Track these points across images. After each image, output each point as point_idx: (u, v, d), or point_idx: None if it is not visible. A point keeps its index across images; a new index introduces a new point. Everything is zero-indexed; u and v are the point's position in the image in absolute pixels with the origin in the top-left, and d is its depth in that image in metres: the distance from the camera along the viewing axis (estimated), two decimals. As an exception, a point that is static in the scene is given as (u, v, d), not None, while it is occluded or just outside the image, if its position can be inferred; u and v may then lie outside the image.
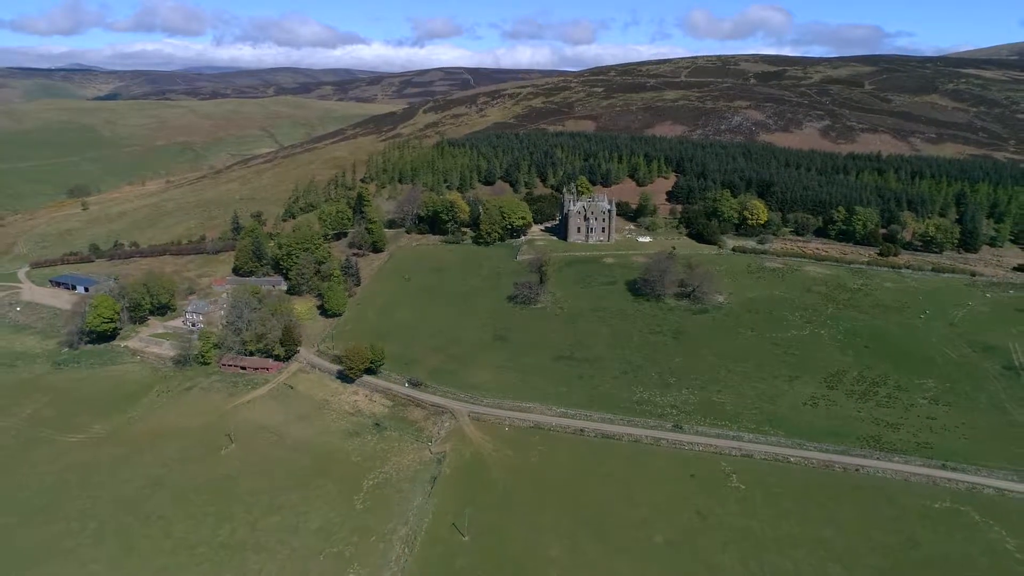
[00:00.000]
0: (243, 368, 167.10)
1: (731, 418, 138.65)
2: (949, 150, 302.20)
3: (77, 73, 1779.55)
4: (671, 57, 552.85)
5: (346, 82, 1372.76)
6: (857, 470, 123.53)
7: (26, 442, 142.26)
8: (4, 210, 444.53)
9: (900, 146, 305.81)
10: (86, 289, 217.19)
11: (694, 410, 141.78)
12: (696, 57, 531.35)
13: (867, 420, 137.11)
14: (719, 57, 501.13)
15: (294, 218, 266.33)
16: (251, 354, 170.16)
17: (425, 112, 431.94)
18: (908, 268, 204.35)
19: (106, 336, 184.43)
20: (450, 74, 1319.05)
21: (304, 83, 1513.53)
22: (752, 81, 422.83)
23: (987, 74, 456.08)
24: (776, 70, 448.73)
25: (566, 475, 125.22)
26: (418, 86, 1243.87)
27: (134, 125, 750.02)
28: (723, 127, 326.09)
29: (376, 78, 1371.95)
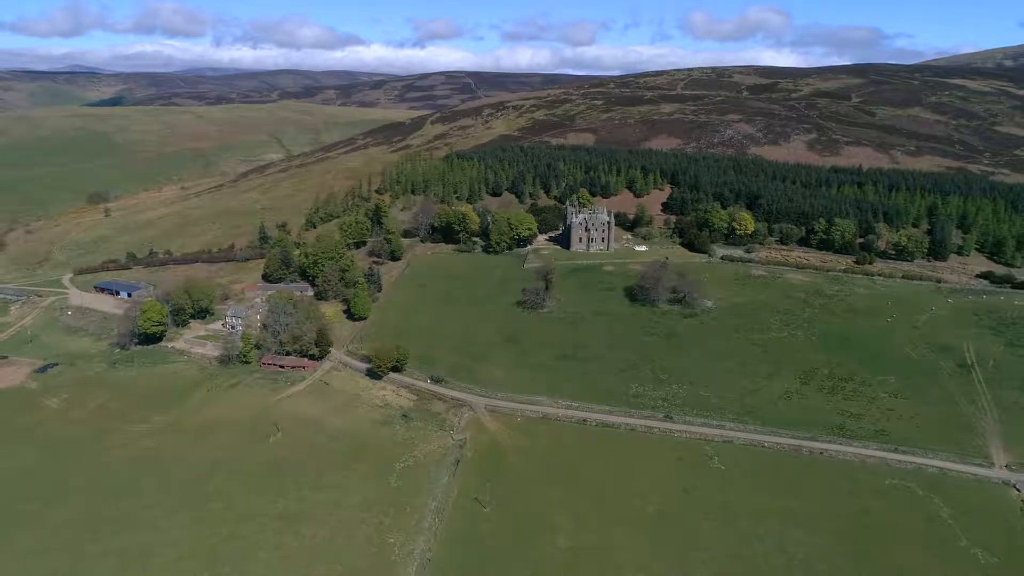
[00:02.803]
0: (281, 367, 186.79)
1: (715, 409, 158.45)
2: (927, 163, 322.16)
3: (80, 76, 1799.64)
4: (667, 69, 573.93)
5: (349, 86, 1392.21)
6: (821, 453, 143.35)
7: (98, 431, 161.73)
8: (27, 216, 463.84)
9: (881, 159, 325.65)
10: (128, 295, 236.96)
11: (683, 402, 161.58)
12: (692, 69, 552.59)
13: (833, 411, 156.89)
14: (714, 69, 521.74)
15: (315, 228, 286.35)
16: (288, 354, 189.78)
17: (433, 123, 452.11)
18: (880, 276, 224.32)
19: (154, 338, 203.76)
20: (451, 78, 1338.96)
21: (307, 86, 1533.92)
22: (745, 94, 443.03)
23: (972, 84, 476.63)
24: (768, 83, 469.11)
25: (571, 458, 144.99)
26: (420, 90, 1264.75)
27: (145, 131, 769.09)
28: (716, 140, 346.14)
29: (378, 82, 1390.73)
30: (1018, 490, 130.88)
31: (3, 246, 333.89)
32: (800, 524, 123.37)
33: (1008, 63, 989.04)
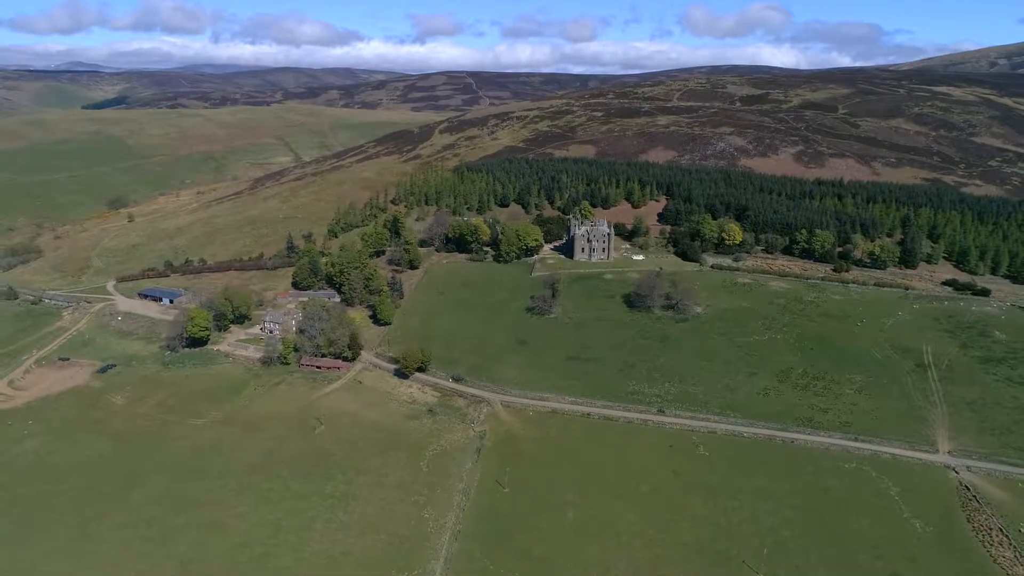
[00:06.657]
0: (318, 367, 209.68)
1: (702, 404, 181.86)
2: (906, 174, 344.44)
3: (83, 75, 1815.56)
4: (665, 70, 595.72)
5: (351, 86, 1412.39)
6: (792, 442, 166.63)
7: (161, 424, 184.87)
8: (51, 221, 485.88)
9: (862, 170, 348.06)
10: (171, 301, 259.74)
11: (674, 398, 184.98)
12: (690, 71, 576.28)
13: (805, 406, 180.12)
14: (708, 78, 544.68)
15: (337, 237, 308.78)
16: (324, 356, 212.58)
17: (441, 133, 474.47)
18: (855, 283, 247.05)
19: (200, 341, 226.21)
20: (453, 78, 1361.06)
21: (309, 85, 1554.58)
22: (737, 104, 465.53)
23: (956, 92, 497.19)
24: (760, 93, 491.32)
25: (577, 445, 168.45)
26: (421, 90, 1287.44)
27: (156, 135, 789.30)
28: (708, 152, 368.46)
29: (380, 83, 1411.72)
30: (956, 472, 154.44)
31: (41, 252, 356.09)
32: (770, 499, 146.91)
33: (1002, 62, 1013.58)
